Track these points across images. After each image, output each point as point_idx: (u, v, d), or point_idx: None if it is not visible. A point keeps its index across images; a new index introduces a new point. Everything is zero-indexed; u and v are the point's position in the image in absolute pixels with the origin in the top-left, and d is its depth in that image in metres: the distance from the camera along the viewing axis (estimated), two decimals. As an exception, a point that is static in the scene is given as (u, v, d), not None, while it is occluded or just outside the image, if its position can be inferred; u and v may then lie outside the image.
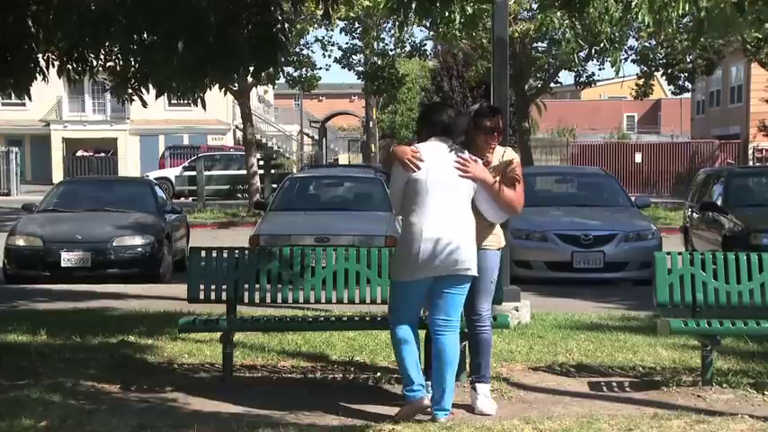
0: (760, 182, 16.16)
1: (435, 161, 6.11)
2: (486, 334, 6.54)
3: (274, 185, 24.59)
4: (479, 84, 39.05)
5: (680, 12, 7.84)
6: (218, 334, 7.37)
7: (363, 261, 7.41)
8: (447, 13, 8.13)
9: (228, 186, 36.84)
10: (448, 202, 6.08)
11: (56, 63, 9.06)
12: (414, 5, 8.00)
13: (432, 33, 27.14)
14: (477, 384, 6.52)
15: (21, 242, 13.73)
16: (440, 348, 6.14)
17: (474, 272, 6.18)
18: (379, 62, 30.46)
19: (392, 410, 6.38)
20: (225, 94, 11.26)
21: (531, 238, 13.66)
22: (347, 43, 31.36)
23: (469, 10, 8.28)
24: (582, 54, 25.67)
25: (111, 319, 9.99)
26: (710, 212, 14.69)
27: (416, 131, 6.48)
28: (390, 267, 6.51)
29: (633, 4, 8.58)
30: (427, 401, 6.14)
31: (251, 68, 9.02)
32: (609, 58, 12.75)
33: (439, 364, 6.14)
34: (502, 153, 6.55)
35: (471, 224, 6.17)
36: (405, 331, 6.19)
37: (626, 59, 28.22)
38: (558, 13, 9.97)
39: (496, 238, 6.55)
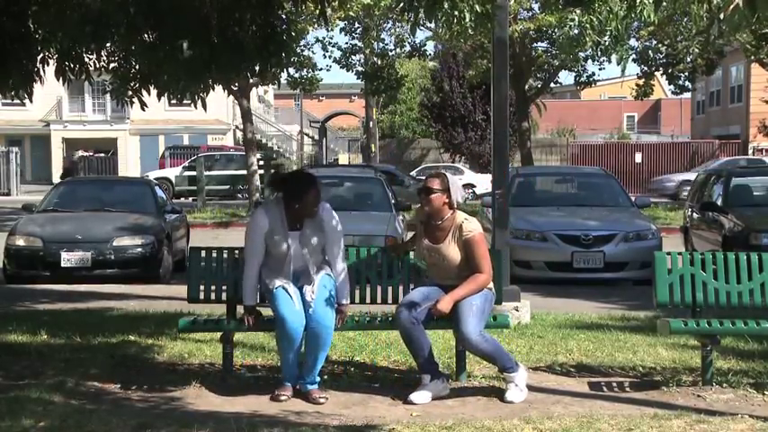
0: (760, 182, 16.15)
1: None
2: (481, 352, 6.68)
3: (274, 185, 24.54)
4: (479, 84, 39.08)
5: (699, 10, 7.80)
6: (218, 334, 7.37)
7: (363, 261, 7.42)
8: (456, 12, 8.07)
9: (228, 186, 36.87)
10: None
11: (53, 64, 9.05)
12: (423, 4, 7.97)
13: (437, 35, 27.07)
14: (503, 375, 6.78)
15: (21, 242, 13.72)
16: None
17: None
18: (379, 62, 30.44)
19: (392, 410, 6.40)
20: (228, 94, 11.33)
21: (531, 238, 13.67)
22: (347, 43, 31.33)
23: (478, 9, 8.21)
24: (583, 54, 25.64)
25: (111, 319, 9.99)
26: (710, 212, 14.69)
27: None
28: None
29: (638, 1, 8.54)
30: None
31: (256, 68, 9.03)
32: (616, 55, 12.69)
33: None
34: (461, 223, 6.73)
35: None
36: None
37: (627, 58, 28.18)
38: (578, 10, 9.92)
39: None
